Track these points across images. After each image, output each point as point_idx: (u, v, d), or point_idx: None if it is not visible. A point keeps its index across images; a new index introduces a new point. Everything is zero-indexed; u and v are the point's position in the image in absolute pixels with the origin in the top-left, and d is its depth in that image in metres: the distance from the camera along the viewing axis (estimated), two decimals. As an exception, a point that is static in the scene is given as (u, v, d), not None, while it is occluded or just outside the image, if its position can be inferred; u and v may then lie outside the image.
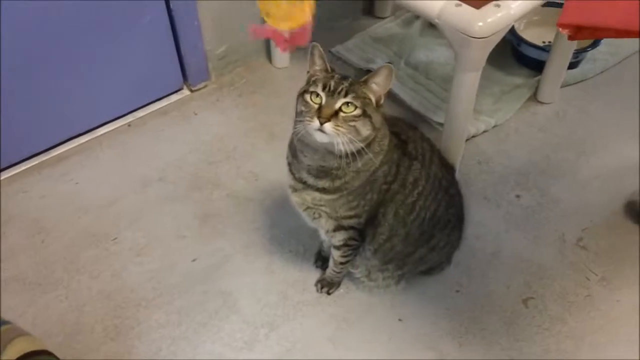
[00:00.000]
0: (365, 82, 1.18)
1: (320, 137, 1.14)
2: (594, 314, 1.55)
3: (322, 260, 1.63)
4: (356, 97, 1.15)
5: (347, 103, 1.14)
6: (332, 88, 1.14)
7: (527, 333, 1.51)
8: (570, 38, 0.92)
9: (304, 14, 1.03)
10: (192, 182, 1.85)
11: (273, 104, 2.10)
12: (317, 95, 1.15)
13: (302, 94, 1.18)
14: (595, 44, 2.19)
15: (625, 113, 2.09)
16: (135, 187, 1.83)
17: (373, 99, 1.18)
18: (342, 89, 1.14)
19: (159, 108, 2.08)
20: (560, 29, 0.92)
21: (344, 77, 1.19)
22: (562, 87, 2.13)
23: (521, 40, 2.19)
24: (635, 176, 1.86)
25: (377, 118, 1.18)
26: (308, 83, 1.20)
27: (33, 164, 1.89)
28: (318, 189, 1.27)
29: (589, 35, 0.95)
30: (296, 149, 1.26)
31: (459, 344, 1.49)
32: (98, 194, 1.81)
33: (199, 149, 1.95)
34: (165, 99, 2.10)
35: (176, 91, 2.12)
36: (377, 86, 1.18)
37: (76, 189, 1.83)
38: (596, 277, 1.62)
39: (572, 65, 2.17)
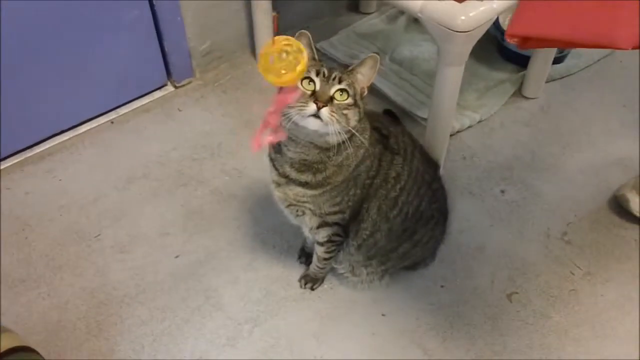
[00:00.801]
0: (351, 71, 1.17)
1: (313, 124, 1.12)
2: (578, 308, 1.55)
3: (305, 256, 1.62)
4: (349, 85, 1.14)
5: (341, 90, 1.13)
6: (325, 74, 1.13)
7: (511, 328, 1.51)
8: (519, 47, 0.96)
9: (302, 65, 1.02)
10: (176, 179, 1.84)
11: (258, 100, 2.09)
12: (311, 81, 1.13)
13: None
14: (580, 39, 2.19)
15: (609, 108, 2.10)
16: (119, 184, 1.82)
17: (358, 89, 1.18)
18: (335, 76, 1.14)
19: (143, 105, 2.06)
20: (508, 39, 0.94)
21: (333, 67, 1.18)
22: (546, 82, 2.13)
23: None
24: (620, 171, 1.87)
25: (362, 109, 1.18)
26: None
27: (16, 160, 1.87)
28: (300, 183, 1.26)
29: (536, 45, 0.99)
30: (280, 144, 1.25)
31: (442, 339, 1.49)
32: (81, 191, 1.80)
33: (183, 145, 1.94)
34: (148, 96, 2.08)
35: (160, 88, 2.11)
36: (361, 76, 1.18)
37: (59, 186, 1.81)
38: (581, 272, 1.62)
39: (557, 61, 2.18)
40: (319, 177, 1.24)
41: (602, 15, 0.85)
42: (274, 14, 1.05)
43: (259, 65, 1.05)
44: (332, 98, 1.12)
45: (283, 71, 1.02)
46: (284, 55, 1.03)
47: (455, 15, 1.46)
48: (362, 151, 1.26)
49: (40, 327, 1.50)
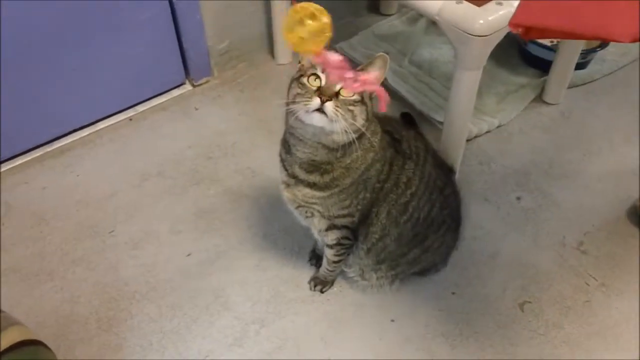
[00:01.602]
0: (361, 70, 1.15)
1: (317, 120, 1.10)
2: (592, 320, 1.52)
3: (316, 258, 1.62)
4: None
5: None
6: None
7: (521, 337, 1.48)
8: (522, 37, 0.98)
9: (327, 29, 1.02)
10: (190, 178, 1.85)
11: (274, 100, 2.08)
12: (317, 77, 1.12)
13: (297, 78, 1.15)
14: (604, 45, 2.15)
15: (631, 116, 2.06)
16: (134, 181, 1.84)
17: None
18: None
19: (160, 103, 2.08)
20: (511, 29, 0.95)
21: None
22: (569, 87, 2.09)
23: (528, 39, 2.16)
24: (638, 181, 1.82)
25: (370, 108, 1.17)
26: (300, 71, 1.17)
27: (35, 155, 1.90)
28: (309, 184, 1.25)
29: (538, 35, 1.01)
30: (289, 145, 1.25)
31: (451, 346, 1.47)
32: (98, 186, 1.82)
33: (199, 144, 1.94)
34: (166, 94, 2.10)
35: (178, 86, 2.12)
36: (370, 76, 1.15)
37: (77, 181, 1.84)
38: (596, 283, 1.59)
39: (580, 66, 2.14)
40: (327, 178, 1.23)
41: (603, 7, 0.85)
42: None
43: (285, 22, 1.03)
44: (337, 94, 1.11)
45: (304, 36, 1.01)
46: (309, 21, 1.02)
47: (474, 19, 1.44)
48: (371, 154, 1.24)
49: (52, 321, 1.52)
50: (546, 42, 2.16)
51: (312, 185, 1.25)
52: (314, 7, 1.02)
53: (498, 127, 2.01)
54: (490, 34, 1.46)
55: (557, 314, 1.53)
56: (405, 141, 1.37)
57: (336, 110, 1.09)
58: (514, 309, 1.54)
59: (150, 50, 1.96)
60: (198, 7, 1.94)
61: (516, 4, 1.47)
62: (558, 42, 2.15)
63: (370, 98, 1.17)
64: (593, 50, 2.14)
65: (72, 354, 1.46)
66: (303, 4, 1.03)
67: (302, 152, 1.22)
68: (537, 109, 2.09)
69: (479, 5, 1.48)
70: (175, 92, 2.10)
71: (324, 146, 1.18)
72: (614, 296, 1.57)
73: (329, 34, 1.03)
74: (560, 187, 1.83)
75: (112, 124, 2.00)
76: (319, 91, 1.10)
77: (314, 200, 1.29)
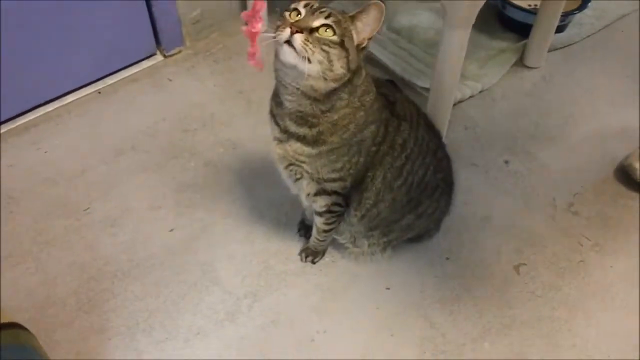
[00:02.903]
0: (352, 17, 1.09)
1: (287, 54, 1.02)
2: (588, 279, 1.50)
3: (305, 229, 1.56)
4: (338, 24, 1.05)
5: (326, 26, 1.04)
6: (314, 7, 1.06)
7: (519, 300, 1.46)
8: None
9: None
10: (167, 151, 1.76)
11: (250, 71, 1.96)
12: (298, 13, 1.05)
13: (282, 12, 1.08)
14: (582, 7, 2.13)
15: (612, 78, 2.05)
16: (107, 156, 1.74)
17: (355, 38, 1.09)
18: (325, 11, 1.06)
19: (131, 75, 1.97)
20: None
21: (327, 6, 1.09)
22: (548, 51, 2.07)
23: (507, 2, 2.13)
24: (624, 141, 1.82)
25: (354, 57, 1.08)
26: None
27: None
28: (299, 138, 1.19)
29: None
30: (279, 95, 1.18)
31: (449, 312, 1.44)
32: (68, 163, 1.71)
33: (174, 116, 1.85)
34: (137, 65, 1.99)
35: (149, 57, 2.02)
36: (362, 25, 1.09)
37: (45, 158, 1.73)
38: (589, 243, 1.58)
39: (559, 29, 2.11)
40: (314, 131, 1.17)
41: None
42: None
43: None
44: (313, 30, 1.03)
45: None
46: None
47: (462, -26, 1.40)
48: (361, 114, 1.18)
49: (28, 304, 1.42)
50: (524, 5, 2.14)
51: (301, 139, 1.19)
52: None
53: (481, 91, 1.98)
54: (480, -10, 1.42)
55: (553, 275, 1.51)
56: (399, 103, 1.32)
57: (305, 43, 1.01)
58: (509, 272, 1.51)
59: (118, 19, 1.85)
60: (168, -28, 1.85)
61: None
62: (535, 5, 2.13)
63: (362, 49, 1.11)
64: (571, 13, 2.12)
65: (51, 338, 1.37)
66: None
67: (288, 101, 1.15)
68: (519, 73, 2.06)
69: (466, -40, 1.43)
70: (146, 64, 2.00)
71: (305, 94, 1.11)
72: (608, 255, 1.56)
73: None
74: (546, 149, 1.81)
75: (79, 98, 1.89)
76: (294, 24, 1.03)
77: (303, 158, 1.22)
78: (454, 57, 1.58)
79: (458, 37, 1.53)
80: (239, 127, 1.83)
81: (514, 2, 2.12)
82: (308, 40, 1.02)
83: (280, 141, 1.23)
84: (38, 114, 1.83)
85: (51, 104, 1.86)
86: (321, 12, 1.05)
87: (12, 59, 1.69)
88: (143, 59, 2.00)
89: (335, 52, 1.05)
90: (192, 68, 2.01)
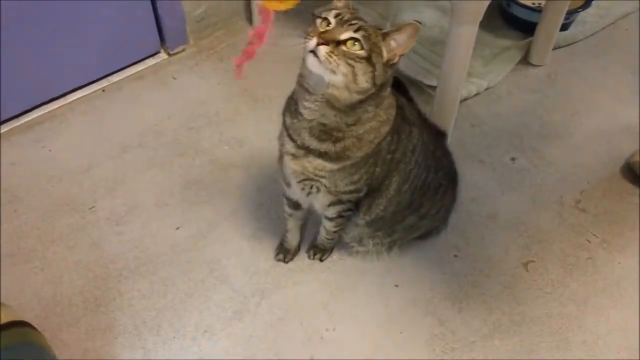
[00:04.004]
0: (385, 35, 1.06)
1: (310, 62, 1.01)
2: (596, 276, 1.50)
3: (284, 252, 1.51)
4: (367, 39, 1.02)
5: (354, 40, 1.02)
6: (345, 18, 1.03)
7: (528, 297, 1.45)
8: None
9: None
10: (172, 148, 1.75)
11: (256, 68, 1.95)
12: (329, 23, 1.04)
13: (314, 16, 1.07)
14: (586, 5, 2.13)
15: (616, 75, 2.05)
16: (112, 153, 1.73)
17: (385, 54, 1.06)
18: (355, 24, 1.03)
19: (135, 72, 1.96)
20: None
21: (361, 18, 1.06)
22: (552, 49, 2.07)
23: (512, 0, 2.12)
24: (630, 137, 1.82)
25: (380, 73, 1.06)
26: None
27: (2, 130, 1.77)
28: (320, 154, 1.15)
29: None
30: (297, 104, 1.14)
31: (458, 309, 1.43)
32: (73, 161, 1.70)
33: (179, 114, 1.84)
34: (141, 63, 1.98)
35: (153, 55, 2.01)
36: (395, 43, 1.06)
37: (49, 156, 1.72)
38: (597, 240, 1.57)
39: (563, 27, 2.12)
40: (338, 147, 1.14)
41: None
42: None
43: None
44: (340, 43, 1.01)
45: None
46: None
47: (470, -29, 1.39)
48: (386, 128, 1.17)
49: (34, 303, 1.41)
50: (529, 3, 2.13)
51: (323, 155, 1.15)
52: None
53: (486, 89, 1.98)
54: (488, -14, 1.41)
55: (561, 272, 1.51)
56: (407, 108, 1.30)
57: (329, 56, 0.99)
58: (518, 269, 1.51)
59: (122, 17, 1.84)
60: (173, -31, 1.84)
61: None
62: (540, 4, 2.13)
63: (391, 65, 1.08)
64: (575, 11, 2.12)
65: (58, 337, 1.36)
66: None
67: (309, 111, 1.11)
68: (524, 70, 2.06)
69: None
70: (151, 62, 1.99)
71: (328, 103, 1.08)
72: (616, 252, 1.55)
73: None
74: (553, 146, 1.80)
75: (84, 96, 1.88)
76: (322, 34, 1.02)
77: (323, 174, 1.19)
78: (461, 54, 1.58)
79: (465, 34, 1.53)
80: (245, 125, 1.82)
81: (518, 0, 2.11)
82: (333, 53, 1.00)
83: (295, 156, 1.19)
84: (42, 112, 1.82)
85: (55, 102, 1.85)
86: (350, 25, 1.03)
87: (16, 56, 1.67)
88: (147, 57, 1.99)
89: (360, 66, 1.02)
90: (197, 66, 2.00)
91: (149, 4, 1.88)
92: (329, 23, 1.04)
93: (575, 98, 1.97)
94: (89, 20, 1.77)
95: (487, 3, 1.47)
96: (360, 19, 1.05)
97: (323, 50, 0.99)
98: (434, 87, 1.87)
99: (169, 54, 2.02)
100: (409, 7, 2.22)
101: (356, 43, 1.02)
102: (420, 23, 1.05)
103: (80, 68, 1.86)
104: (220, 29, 2.11)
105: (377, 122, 1.14)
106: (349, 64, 1.02)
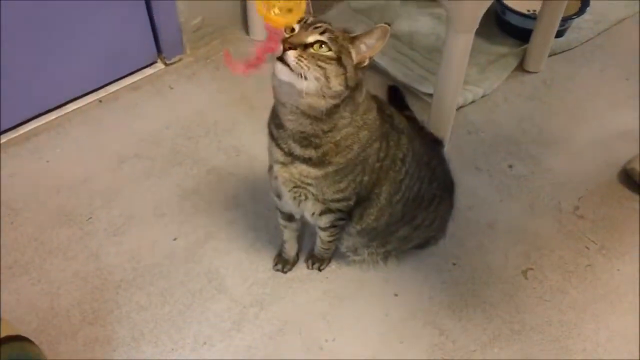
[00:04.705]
0: (354, 38, 1.05)
1: (280, 70, 0.98)
2: (595, 283, 1.50)
3: (282, 263, 1.50)
4: (333, 40, 1.01)
5: (321, 42, 1.00)
6: (309, 22, 1.02)
7: (528, 305, 1.45)
8: None
9: (301, 8, 0.95)
10: (170, 158, 1.75)
11: (252, 77, 1.97)
12: (292, 29, 1.02)
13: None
14: (580, 12, 2.14)
15: (612, 81, 2.06)
16: (110, 164, 1.72)
17: (354, 56, 1.05)
18: (320, 26, 1.01)
19: (132, 83, 1.96)
20: None
21: (326, 22, 1.05)
22: (548, 56, 2.07)
23: (506, 8, 2.13)
24: (627, 143, 1.82)
25: (352, 75, 1.04)
26: None
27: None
28: (305, 160, 1.15)
29: None
30: (280, 116, 1.14)
31: (458, 318, 1.43)
32: (70, 172, 1.70)
33: (177, 123, 1.84)
34: (138, 73, 1.98)
35: (150, 65, 2.00)
36: (365, 46, 1.05)
37: (46, 167, 1.71)
38: (595, 246, 1.57)
39: (558, 34, 2.12)
40: (319, 152, 1.14)
41: None
42: None
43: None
44: (307, 45, 1.00)
45: (276, 9, 0.94)
46: None
47: (466, -21, 1.40)
48: (365, 133, 1.15)
49: (32, 315, 1.40)
50: (524, 10, 2.14)
51: (307, 161, 1.15)
52: None
53: (483, 96, 1.98)
54: (484, -5, 1.42)
55: (560, 279, 1.51)
56: (396, 116, 1.30)
57: (299, 59, 0.97)
58: (517, 277, 1.51)
59: (119, 27, 1.84)
60: (169, -20, 1.84)
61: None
62: (534, 11, 2.14)
63: (362, 67, 1.07)
64: (570, 18, 2.13)
65: (55, 350, 1.35)
66: None
67: (288, 121, 1.11)
68: (520, 77, 2.06)
69: (469, -35, 1.43)
70: (147, 71, 1.99)
71: (304, 113, 1.07)
72: (615, 259, 1.55)
73: (301, 12, 0.96)
74: (550, 153, 1.81)
75: (80, 106, 1.88)
76: (288, 39, 1.00)
77: (309, 181, 1.19)
78: (458, 62, 1.58)
79: (461, 42, 1.53)
80: (242, 133, 1.82)
81: (513, 7, 2.12)
82: (302, 57, 0.98)
83: (284, 164, 1.19)
84: (39, 123, 1.82)
85: (52, 112, 1.84)
86: (315, 28, 1.01)
87: (12, 67, 1.67)
88: (144, 67, 1.99)
89: (332, 68, 1.01)
90: (194, 75, 2.00)
91: (145, 15, 1.88)
92: (292, 29, 1.02)
93: (571, 104, 1.97)
94: (85, 31, 1.77)
95: (483, 11, 1.47)
96: (323, 22, 1.04)
97: (292, 55, 0.97)
98: (430, 95, 1.87)
99: (165, 64, 2.02)
100: (404, 15, 2.23)
101: (323, 45, 1.00)
102: (389, 25, 1.04)
103: (76, 79, 1.86)
104: (216, 38, 2.11)
105: (354, 127, 1.13)
106: (320, 67, 1.00)
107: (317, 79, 1.00)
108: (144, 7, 1.86)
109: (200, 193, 1.66)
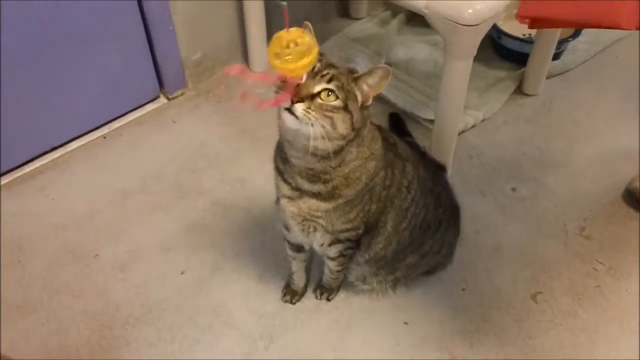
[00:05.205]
0: (356, 79, 1.06)
1: (288, 121, 1.00)
2: (606, 305, 1.50)
3: (291, 294, 1.50)
4: (340, 88, 1.02)
5: (328, 90, 1.01)
6: (316, 69, 1.02)
7: (539, 329, 1.45)
8: (529, 27, 1.05)
9: (309, 59, 0.96)
10: (174, 192, 1.75)
11: (253, 107, 2.01)
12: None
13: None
14: (576, 34, 2.17)
15: (610, 102, 2.08)
16: (115, 199, 1.73)
17: (359, 98, 1.07)
18: (327, 74, 1.02)
19: (135, 118, 1.98)
20: (519, 20, 1.01)
21: (332, 64, 1.06)
22: (546, 78, 2.10)
23: (502, 33, 2.16)
24: (628, 163, 1.83)
25: (358, 118, 1.06)
26: None
27: (4, 181, 1.77)
28: (314, 194, 1.15)
29: (544, 25, 1.09)
30: (285, 151, 1.14)
31: (470, 344, 1.42)
32: (75, 209, 1.70)
33: (180, 157, 1.85)
34: (141, 109, 2.00)
35: (152, 100, 2.02)
36: (368, 87, 1.07)
37: (52, 204, 1.72)
38: (603, 267, 1.57)
39: (555, 57, 2.14)
40: (329, 186, 1.14)
41: None
42: (284, 3, 0.98)
43: (269, 48, 0.97)
44: (315, 95, 1.01)
45: (288, 57, 0.95)
46: (293, 45, 0.96)
47: (462, 9, 1.42)
48: (372, 163, 1.16)
49: (41, 355, 1.40)
50: (519, 35, 2.17)
51: (317, 196, 1.16)
52: (297, 33, 0.96)
53: (483, 120, 1.99)
54: (480, 23, 1.44)
55: (570, 302, 1.50)
56: (400, 144, 1.31)
57: (307, 112, 0.99)
58: (527, 301, 1.50)
59: (122, 64, 1.86)
60: (170, 18, 1.86)
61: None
62: (530, 35, 2.16)
63: (365, 107, 1.09)
64: (565, 40, 2.15)
65: (65, 390, 1.34)
66: (287, 31, 0.96)
67: (295, 158, 1.12)
68: (518, 100, 2.08)
69: (464, -4, 1.45)
70: (150, 107, 2.01)
71: (311, 153, 1.07)
72: (623, 279, 1.55)
73: (314, 56, 0.97)
74: (552, 175, 1.82)
75: (85, 144, 1.89)
76: (296, 90, 1.00)
77: (319, 214, 1.19)
78: (457, 88, 1.59)
79: (460, 69, 1.55)
80: (246, 164, 1.83)
81: (509, 32, 2.15)
82: (310, 108, 0.99)
83: (291, 199, 1.19)
84: (44, 161, 1.83)
85: (57, 150, 1.86)
86: (322, 76, 1.02)
87: (16, 106, 1.69)
88: (147, 102, 2.01)
89: (339, 116, 1.02)
90: (196, 109, 2.02)
91: (147, 51, 1.90)
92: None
93: (571, 125, 1.99)
94: (88, 68, 1.79)
95: (480, 39, 1.49)
96: (331, 65, 1.05)
97: (300, 107, 0.99)
98: (430, 121, 1.89)
99: (168, 99, 2.04)
100: (401, 43, 2.26)
101: (330, 93, 1.01)
102: (390, 65, 1.06)
103: (80, 116, 1.87)
104: (217, 71, 2.13)
105: (362, 159, 1.14)
106: (327, 116, 1.01)
107: (322, 126, 1.01)
108: (145, 44, 1.88)
109: (205, 226, 1.66)
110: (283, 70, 0.96)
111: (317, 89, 1.01)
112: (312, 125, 1.00)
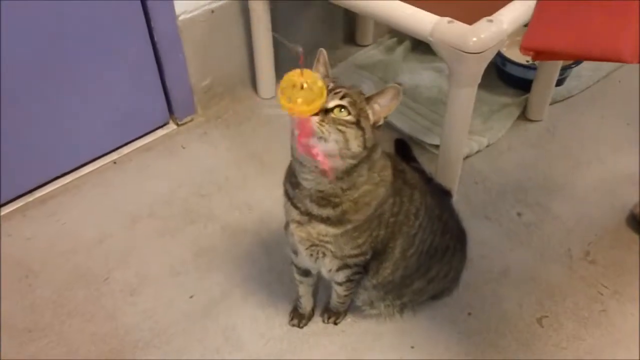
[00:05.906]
0: (368, 99, 1.10)
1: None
2: (611, 329, 1.50)
3: (298, 318, 1.52)
4: (353, 104, 1.06)
5: (341, 107, 1.05)
6: (329, 87, 1.05)
7: (546, 353, 1.45)
8: (533, 59, 1.05)
9: (322, 95, 0.99)
10: (183, 217, 1.78)
11: (262, 134, 2.05)
12: None
13: None
14: (579, 61, 2.20)
15: (613, 127, 2.10)
16: (124, 224, 1.76)
17: (371, 117, 1.10)
18: (340, 91, 1.06)
19: (145, 144, 2.01)
20: (522, 52, 1.00)
21: (344, 86, 1.10)
22: (550, 104, 2.13)
23: (506, 60, 2.19)
24: (632, 187, 1.84)
25: (370, 136, 1.10)
26: None
27: (16, 206, 1.80)
28: (323, 219, 1.18)
29: (548, 58, 1.08)
30: (296, 175, 1.17)
31: (476, 368, 1.43)
32: (86, 233, 1.73)
33: (189, 182, 1.88)
34: (151, 134, 2.04)
35: (162, 126, 2.06)
36: (379, 107, 1.10)
37: (63, 229, 1.74)
38: (608, 291, 1.58)
39: (558, 83, 2.17)
40: (338, 211, 1.16)
41: (610, 30, 0.88)
42: (301, 50, 1.00)
43: (279, 86, 1.00)
44: (328, 111, 1.04)
45: (300, 100, 0.99)
46: (305, 85, 0.99)
47: (467, 37, 1.45)
48: (382, 190, 1.19)
49: (51, 379, 1.41)
50: (523, 61, 2.20)
51: (325, 220, 1.18)
52: (308, 75, 0.99)
53: (487, 146, 2.02)
54: (484, 51, 1.47)
55: (576, 325, 1.51)
56: (408, 172, 1.34)
57: (320, 125, 1.02)
58: (533, 325, 1.51)
59: (132, 90, 1.90)
60: (181, 45, 1.91)
61: (506, 20, 1.52)
62: (534, 61, 2.20)
63: (377, 127, 1.12)
64: (569, 67, 2.19)
65: (75, 413, 1.35)
66: (300, 73, 0.99)
67: (306, 181, 1.15)
68: (523, 126, 2.11)
69: (469, 24, 1.48)
70: (160, 132, 2.04)
71: (322, 172, 1.10)
72: (628, 303, 1.56)
73: (324, 100, 1.00)
74: (557, 200, 1.83)
75: (95, 169, 1.92)
76: None
77: (328, 239, 1.21)
78: (462, 115, 1.62)
79: (465, 96, 1.58)
80: (254, 189, 1.86)
81: (513, 59, 2.18)
82: (323, 121, 1.02)
83: (300, 223, 1.21)
84: (55, 186, 1.86)
85: (67, 176, 1.89)
86: (336, 94, 1.05)
87: (28, 132, 1.73)
88: (157, 128, 2.04)
89: (351, 131, 1.05)
90: (205, 134, 2.05)
91: (157, 78, 1.94)
92: None
93: (575, 150, 2.01)
94: (99, 95, 1.83)
95: (484, 67, 1.52)
96: (342, 86, 1.09)
97: (314, 120, 1.02)
98: (436, 146, 1.92)
99: (177, 124, 2.07)
100: (406, 70, 2.30)
101: (343, 110, 1.05)
102: (400, 85, 1.09)
103: (91, 142, 1.91)
104: (226, 97, 2.17)
105: (372, 184, 1.16)
106: (340, 130, 1.04)
107: (336, 141, 1.04)
108: (155, 70, 1.93)
109: (214, 250, 1.69)
110: (291, 111, 1.00)
111: (331, 104, 1.04)
112: (326, 140, 1.03)
